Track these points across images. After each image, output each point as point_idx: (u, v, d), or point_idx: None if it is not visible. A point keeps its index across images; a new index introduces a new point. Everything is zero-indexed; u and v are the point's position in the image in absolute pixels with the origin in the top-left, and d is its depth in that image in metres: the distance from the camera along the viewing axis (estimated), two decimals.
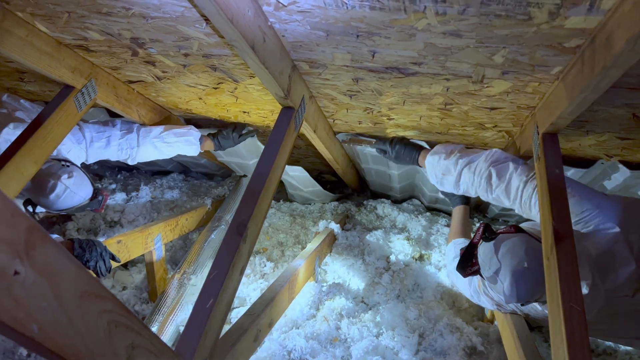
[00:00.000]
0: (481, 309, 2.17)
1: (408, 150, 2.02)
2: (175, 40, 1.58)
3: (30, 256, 0.61)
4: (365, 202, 3.13)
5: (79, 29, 1.62)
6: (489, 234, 1.52)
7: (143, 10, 1.41)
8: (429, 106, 1.81)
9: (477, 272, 1.56)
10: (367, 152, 2.51)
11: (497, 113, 1.76)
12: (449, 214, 2.96)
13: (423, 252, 2.57)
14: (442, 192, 2.17)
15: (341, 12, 1.23)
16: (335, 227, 2.69)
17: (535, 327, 2.09)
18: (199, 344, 1.14)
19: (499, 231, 1.53)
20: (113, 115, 2.59)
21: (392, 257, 2.50)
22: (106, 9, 1.43)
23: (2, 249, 0.56)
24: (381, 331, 2.05)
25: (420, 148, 2.01)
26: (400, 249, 2.54)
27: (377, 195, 3.25)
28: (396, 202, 3.14)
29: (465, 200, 2.15)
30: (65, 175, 1.95)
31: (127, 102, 2.14)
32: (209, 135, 2.37)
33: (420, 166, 2.00)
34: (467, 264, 1.56)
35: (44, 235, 0.63)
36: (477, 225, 2.41)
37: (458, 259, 1.89)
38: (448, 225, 2.80)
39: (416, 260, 2.52)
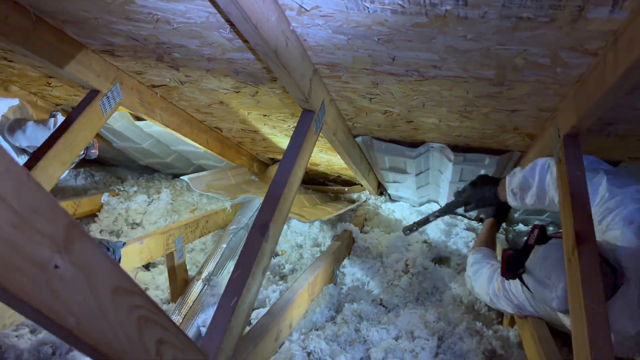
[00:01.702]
0: (501, 313, 2.16)
1: (484, 187, 2.03)
2: (199, 45, 1.61)
3: (69, 251, 0.63)
4: (383, 205, 3.13)
5: (106, 34, 1.66)
6: (542, 237, 1.52)
7: (169, 16, 1.44)
8: (448, 108, 1.81)
9: (522, 273, 1.55)
10: (384, 156, 2.52)
11: (517, 115, 1.76)
12: (468, 218, 2.96)
13: (442, 255, 2.57)
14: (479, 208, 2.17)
15: (363, 16, 1.25)
16: (353, 229, 2.70)
17: (556, 332, 2.07)
18: (223, 342, 1.16)
19: (551, 234, 1.53)
20: (137, 119, 2.64)
21: (411, 260, 2.50)
22: (133, 14, 1.47)
23: (44, 243, 0.59)
24: (400, 334, 2.05)
25: (496, 181, 2.01)
26: (419, 252, 2.54)
27: (395, 199, 3.26)
28: (414, 205, 3.14)
29: (499, 214, 2.14)
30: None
31: (151, 105, 2.19)
32: None
33: (499, 196, 1.98)
34: (519, 266, 1.54)
35: (81, 231, 0.65)
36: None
37: (477, 265, 1.90)
38: (467, 229, 2.80)
39: (435, 263, 2.52)
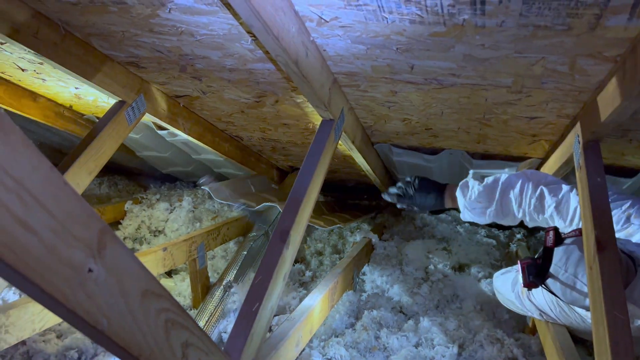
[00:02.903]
0: (522, 320, 2.15)
1: (429, 183, 1.90)
2: (221, 56, 1.66)
3: (102, 255, 0.66)
4: (403, 213, 3.14)
5: (132, 46, 1.71)
6: (558, 239, 1.52)
7: (192, 29, 1.49)
8: (467, 116, 1.82)
9: (546, 280, 1.55)
10: (403, 163, 2.53)
11: (536, 122, 1.76)
12: (489, 225, 2.95)
13: (462, 263, 2.56)
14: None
15: (381, 26, 1.28)
16: (373, 237, 2.71)
17: (578, 340, 2.05)
18: (246, 346, 1.18)
19: (565, 235, 1.54)
20: (160, 128, 2.69)
21: (431, 267, 2.50)
22: (158, 27, 1.52)
23: (79, 247, 0.62)
24: (420, 341, 2.05)
25: (439, 188, 1.89)
26: (439, 259, 2.54)
27: None
28: (433, 212, 3.14)
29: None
30: None
31: (174, 115, 2.24)
32: None
33: (445, 205, 1.87)
34: (546, 271, 1.52)
35: (113, 236, 0.68)
36: None
37: (504, 269, 1.90)
38: (487, 237, 2.79)
39: (455, 270, 2.51)
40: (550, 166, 2.00)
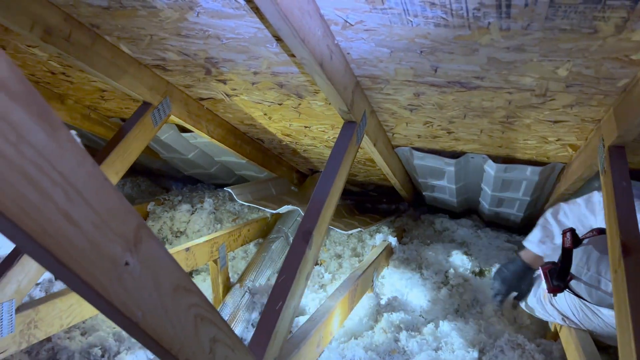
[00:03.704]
0: (543, 326, 2.13)
1: (509, 264, 2.01)
2: (246, 59, 1.68)
3: (138, 250, 0.68)
4: (422, 216, 3.13)
5: (159, 50, 1.75)
6: (576, 240, 1.53)
7: (219, 32, 1.52)
8: (490, 119, 1.82)
9: (569, 281, 1.55)
10: (424, 167, 2.53)
11: (560, 126, 1.75)
12: (509, 229, 2.93)
13: (483, 267, 2.55)
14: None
15: (406, 30, 1.29)
16: (392, 240, 2.71)
17: (601, 347, 2.02)
18: (269, 344, 1.20)
19: (582, 237, 1.54)
20: (183, 131, 2.74)
21: (451, 272, 2.49)
22: (185, 31, 1.55)
23: (117, 242, 0.64)
24: (440, 345, 2.05)
25: (515, 258, 2.03)
26: (459, 263, 2.53)
27: (433, 209, 3.25)
28: (454, 216, 3.12)
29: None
30: None
31: (198, 118, 2.27)
32: None
33: (531, 265, 1.94)
34: (567, 273, 1.54)
35: (149, 231, 0.71)
36: None
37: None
38: (508, 241, 2.77)
39: (476, 275, 2.50)
40: (574, 170, 1.98)
